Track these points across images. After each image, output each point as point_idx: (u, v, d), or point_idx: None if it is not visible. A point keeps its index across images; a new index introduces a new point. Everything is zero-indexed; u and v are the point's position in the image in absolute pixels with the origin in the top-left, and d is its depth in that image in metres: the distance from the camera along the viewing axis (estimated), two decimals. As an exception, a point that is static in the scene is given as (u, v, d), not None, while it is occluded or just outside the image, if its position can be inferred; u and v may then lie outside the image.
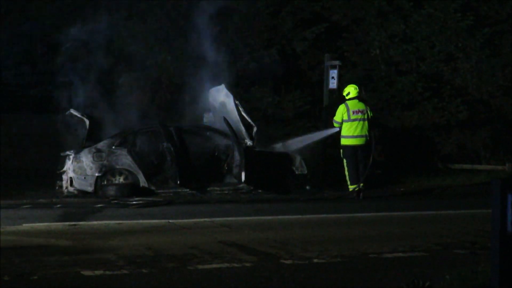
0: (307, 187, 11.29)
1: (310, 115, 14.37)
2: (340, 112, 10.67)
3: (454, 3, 14.73)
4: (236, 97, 11.22)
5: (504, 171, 14.10)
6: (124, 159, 10.77)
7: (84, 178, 10.63)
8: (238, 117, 10.97)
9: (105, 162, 10.72)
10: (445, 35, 14.82)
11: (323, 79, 12.98)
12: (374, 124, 11.23)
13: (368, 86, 14.53)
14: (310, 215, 8.94)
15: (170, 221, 8.29)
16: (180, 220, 8.31)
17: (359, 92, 10.87)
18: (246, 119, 11.09)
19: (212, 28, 12.71)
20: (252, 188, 11.03)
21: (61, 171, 10.74)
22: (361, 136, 10.59)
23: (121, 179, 10.82)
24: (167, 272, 5.61)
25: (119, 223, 8.10)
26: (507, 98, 14.91)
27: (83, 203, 10.01)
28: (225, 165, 11.22)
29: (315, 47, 14.73)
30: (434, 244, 6.86)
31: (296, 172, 11.21)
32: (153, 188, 10.85)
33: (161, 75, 13.57)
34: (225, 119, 10.91)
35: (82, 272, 5.55)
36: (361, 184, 10.56)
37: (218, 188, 11.06)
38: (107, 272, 5.55)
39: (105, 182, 10.71)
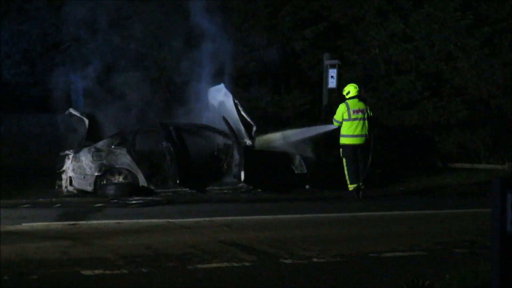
0: (307, 187, 11.30)
1: (310, 114, 14.37)
2: (340, 111, 10.64)
3: (453, 2, 14.74)
4: (235, 96, 11.22)
5: (504, 170, 14.10)
6: (124, 159, 10.78)
7: (84, 177, 10.63)
8: (237, 116, 10.96)
9: (104, 161, 10.72)
10: (444, 34, 14.83)
11: (322, 78, 12.98)
12: (374, 124, 11.20)
13: (368, 86, 14.54)
14: (309, 215, 8.93)
15: (170, 220, 8.28)
16: (179, 220, 8.30)
17: (359, 91, 10.85)
18: (245, 118, 11.09)
19: (211, 27, 12.70)
20: (251, 187, 11.03)
21: (61, 170, 10.74)
22: (361, 136, 10.56)
23: (121, 179, 10.83)
24: (167, 272, 5.60)
25: (118, 223, 8.09)
26: (506, 98, 14.92)
27: (83, 203, 10.01)
28: (225, 164, 11.25)
29: (315, 46, 14.73)
30: (434, 243, 6.85)
31: (296, 172, 11.21)
32: (152, 187, 10.86)
33: (161, 74, 13.57)
34: (224, 119, 10.91)
35: (81, 272, 5.55)
36: (361, 184, 10.54)
37: (217, 188, 11.07)
38: (107, 272, 5.55)
39: (105, 182, 10.71)
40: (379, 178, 12.56)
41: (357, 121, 10.57)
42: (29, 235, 7.20)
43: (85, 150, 10.75)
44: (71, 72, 12.45)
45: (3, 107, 12.57)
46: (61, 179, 10.77)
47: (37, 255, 6.16)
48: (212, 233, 7.37)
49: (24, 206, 9.70)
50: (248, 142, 11.02)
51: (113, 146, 10.85)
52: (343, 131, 10.64)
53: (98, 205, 9.80)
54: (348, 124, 10.59)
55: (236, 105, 11.04)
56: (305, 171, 11.20)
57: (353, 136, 10.56)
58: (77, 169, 10.64)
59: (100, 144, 10.84)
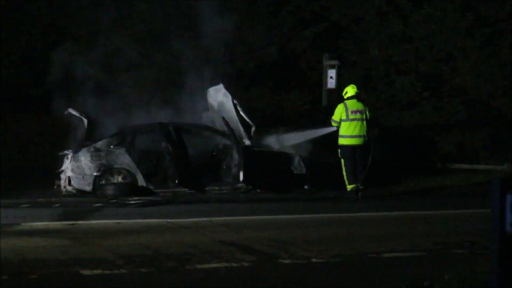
0: (306, 187, 11.26)
1: (310, 115, 14.35)
2: (339, 112, 10.61)
3: (453, 3, 14.73)
4: (234, 96, 11.18)
5: (503, 171, 14.09)
6: (123, 159, 10.74)
7: (83, 177, 10.60)
8: (236, 116, 10.93)
9: (103, 161, 10.69)
10: (444, 35, 14.82)
11: (322, 78, 12.96)
12: (373, 124, 11.18)
13: (367, 86, 14.53)
14: (308, 215, 8.93)
15: (169, 220, 8.27)
16: (179, 220, 8.28)
17: (358, 92, 10.79)
18: (244, 118, 11.06)
19: (211, 27, 12.69)
20: (250, 187, 11.00)
21: (60, 170, 10.72)
22: (359, 136, 10.53)
23: (120, 179, 10.80)
24: (166, 272, 5.60)
25: (117, 223, 8.07)
26: (506, 98, 14.90)
27: (82, 203, 9.98)
28: (224, 164, 11.22)
29: (315, 46, 14.72)
30: (433, 244, 6.85)
31: (295, 172, 11.17)
32: (151, 187, 10.82)
33: (160, 74, 13.56)
34: (223, 119, 10.89)
35: (81, 272, 5.54)
36: (360, 184, 10.51)
37: (216, 188, 11.03)
38: (106, 272, 5.54)
39: (104, 182, 10.68)
40: (378, 179, 12.49)
41: (355, 122, 10.54)
42: (28, 235, 7.19)
43: (84, 150, 10.72)
44: (71, 71, 12.42)
45: (2, 107, 12.55)
46: (60, 179, 10.74)
47: (36, 255, 6.15)
48: (211, 233, 7.35)
49: (23, 205, 9.68)
50: (247, 142, 10.98)
51: (112, 146, 10.82)
52: (341, 131, 10.61)
53: (97, 205, 9.78)
54: (346, 124, 10.55)
55: (235, 105, 11.01)
56: (304, 171, 11.17)
57: (351, 136, 10.53)
58: (76, 169, 10.62)
59: (99, 144, 10.81)
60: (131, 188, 10.68)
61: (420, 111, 14.67)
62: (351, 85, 10.92)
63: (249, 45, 14.28)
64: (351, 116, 10.56)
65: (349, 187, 10.57)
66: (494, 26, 14.93)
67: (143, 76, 13.34)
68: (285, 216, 8.81)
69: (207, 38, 12.85)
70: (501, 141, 14.88)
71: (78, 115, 11.07)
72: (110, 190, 10.57)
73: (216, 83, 11.60)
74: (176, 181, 10.66)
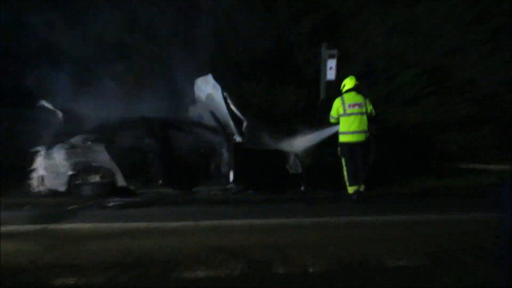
0: (302, 188, 11.24)
1: (305, 112, 14.26)
2: (336, 106, 10.53)
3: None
4: (224, 89, 11.13)
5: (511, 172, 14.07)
6: (101, 156, 10.58)
7: (57, 176, 10.42)
8: (226, 110, 10.89)
9: (79, 159, 10.52)
10: (450, 26, 14.78)
11: (319, 73, 12.88)
12: (373, 119, 11.06)
13: (368, 80, 14.45)
14: (305, 218, 8.85)
15: (152, 224, 8.22)
16: (163, 223, 8.24)
17: (357, 84, 10.67)
18: (235, 113, 11.03)
19: (203, 16, 12.58)
20: (242, 188, 10.95)
21: (31, 168, 10.54)
22: (358, 132, 10.44)
23: (98, 178, 10.64)
24: (148, 280, 5.47)
25: (95, 226, 8.01)
26: (514, 94, 14.92)
27: (56, 204, 9.85)
28: (213, 163, 11.13)
29: (311, 39, 14.65)
30: (437, 249, 6.76)
31: (290, 171, 11.15)
32: (133, 187, 10.72)
33: (144, 63, 13.42)
34: (212, 113, 10.84)
35: (52, 281, 5.39)
36: (361, 185, 10.45)
37: (205, 188, 10.97)
38: (81, 281, 5.39)
39: (80, 181, 10.53)
40: (379, 179, 12.46)
41: (353, 116, 10.46)
42: (-4, 239, 7.05)
43: (58, 146, 10.53)
44: (50, 64, 12.29)
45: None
46: (31, 178, 10.57)
47: (7, 262, 5.99)
48: (198, 238, 7.30)
49: (-8, 207, 9.53)
50: (238, 139, 10.95)
51: (89, 142, 10.66)
52: (340, 128, 10.55)
53: (73, 206, 9.67)
54: (344, 119, 10.47)
55: (225, 98, 10.97)
56: (300, 170, 11.15)
57: (350, 132, 10.44)
58: (49, 167, 10.43)
59: (75, 140, 10.63)
60: (110, 188, 10.57)
61: (423, 107, 14.62)
62: (350, 76, 10.83)
63: (243, 36, 14.17)
64: (348, 111, 10.48)
65: (349, 189, 10.49)
66: (502, 17, 14.89)
67: (125, 65, 13.18)
68: (279, 220, 8.72)
69: (197, 27, 12.73)
70: (510, 140, 14.85)
71: (52, 108, 10.90)
72: (87, 191, 10.46)
73: (205, 74, 11.54)
74: (160, 181, 10.59)
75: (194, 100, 11.78)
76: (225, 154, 10.75)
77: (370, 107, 10.60)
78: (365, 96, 11.05)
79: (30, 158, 10.59)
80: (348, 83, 10.64)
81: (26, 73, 12.41)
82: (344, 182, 10.50)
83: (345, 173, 10.49)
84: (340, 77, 12.27)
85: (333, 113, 10.60)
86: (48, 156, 10.44)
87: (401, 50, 14.91)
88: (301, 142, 11.30)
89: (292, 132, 11.66)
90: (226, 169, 10.70)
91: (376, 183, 11.92)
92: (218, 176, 11.02)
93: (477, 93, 14.90)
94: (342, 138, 10.53)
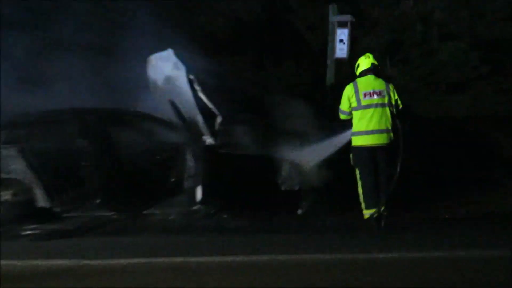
0: (299, 211, 11.33)
1: (309, 97, 14.35)
2: (346, 96, 10.63)
3: None
4: (191, 69, 11.19)
5: None
6: (14, 164, 10.52)
7: (-50, 193, 10.50)
8: (193, 100, 11.00)
9: (-19, 168, 10.54)
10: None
11: (327, 44, 12.97)
12: (404, 112, 11.13)
13: (396, 57, 14.59)
14: (303, 255, 8.87)
15: (85, 261, 8.27)
16: (100, 261, 8.30)
17: (376, 64, 10.76)
18: (206, 104, 11.11)
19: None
20: (213, 211, 11.03)
21: None
22: (380, 132, 10.53)
23: (8, 195, 10.56)
24: None
25: (5, 264, 8.01)
26: None
27: None
28: (173, 174, 11.11)
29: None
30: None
31: (282, 188, 11.25)
32: (58, 209, 10.64)
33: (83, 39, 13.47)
34: (173, 104, 10.94)
35: None
36: (383, 208, 10.52)
37: (161, 211, 11.01)
38: None
39: (-18, 200, 10.55)
40: (411, 198, 12.51)
41: (371, 110, 10.55)
42: None
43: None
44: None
45: None
46: None
47: None
48: (149, 282, 7.36)
49: None
50: (209, 140, 11.04)
51: (-3, 145, 10.67)
52: (354, 126, 10.67)
53: (-28, 236, 9.73)
54: (359, 114, 10.57)
55: (191, 82, 11.06)
56: (297, 186, 11.24)
57: (367, 133, 10.54)
58: None
59: (-29, 142, 10.68)
60: (26, 210, 10.49)
61: (475, 95, 14.86)
62: (366, 54, 10.92)
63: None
64: (364, 101, 10.57)
65: (366, 212, 10.57)
66: None
67: (48, 36, 13.16)
68: (266, 257, 8.74)
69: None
70: None
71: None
72: (-7, 214, 10.48)
73: (163, 48, 11.64)
74: (98, 200, 10.60)
75: (147, 86, 11.83)
76: (190, 162, 10.78)
77: (395, 96, 10.68)
78: (388, 81, 11.17)
79: None
80: (364, 62, 10.72)
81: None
82: (359, 203, 10.57)
83: (360, 190, 10.56)
84: (357, 53, 12.36)
85: (344, 106, 10.70)
86: None
87: (442, 16, 15.04)
88: (307, 153, 11.44)
89: (289, 131, 11.70)
90: (191, 183, 10.75)
91: (406, 204, 12.00)
92: (180, 193, 11.02)
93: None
94: (357, 141, 10.61)
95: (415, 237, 10.41)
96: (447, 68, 14.95)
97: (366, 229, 10.51)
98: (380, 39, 14.68)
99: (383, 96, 10.56)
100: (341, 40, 12.72)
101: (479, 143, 15.07)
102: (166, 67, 11.37)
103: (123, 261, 8.26)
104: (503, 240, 10.33)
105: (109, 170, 10.66)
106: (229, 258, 8.60)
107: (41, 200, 10.54)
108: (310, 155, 11.50)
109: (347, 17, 12.92)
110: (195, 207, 10.91)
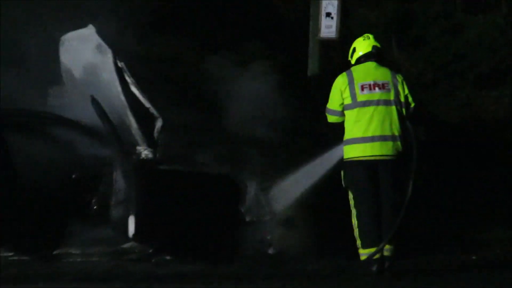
0: (270, 250, 11.53)
1: (284, 92, 14.40)
2: (337, 90, 10.72)
3: None
4: (120, 53, 11.34)
5: None
6: None
7: None
8: (123, 96, 11.14)
9: None
10: None
11: (307, 25, 13.06)
12: (417, 114, 11.17)
13: (406, 37, 14.63)
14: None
15: None
16: None
17: (379, 47, 10.88)
18: (141, 102, 11.30)
19: None
20: (151, 250, 11.13)
21: None
22: (383, 139, 10.61)
23: None
24: None
25: None
26: None
27: None
28: (95, 199, 11.23)
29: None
30: None
31: (247, 218, 11.39)
32: None
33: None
34: (95, 102, 10.93)
35: None
36: (387, 247, 10.59)
37: (78, 251, 11.10)
38: None
39: None
40: (426, 233, 12.67)
41: (371, 108, 10.64)
42: None
43: None
44: None
45: None
46: None
47: None
48: None
49: None
50: (146, 152, 11.20)
51: None
52: (346, 132, 10.73)
53: None
54: (354, 115, 10.65)
55: (120, 72, 11.23)
56: (268, 216, 11.41)
57: (364, 140, 10.62)
58: None
59: None
60: None
61: None
62: (365, 34, 11.00)
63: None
64: (361, 97, 10.65)
65: (363, 252, 10.64)
66: None
67: None
68: None
69: None
70: None
71: None
72: None
73: (81, 25, 11.77)
74: None
75: (58, 76, 11.93)
76: (120, 183, 10.87)
77: (405, 91, 10.80)
78: (395, 69, 11.28)
79: None
80: (362, 45, 10.87)
81: None
82: (354, 239, 10.65)
83: (354, 221, 10.63)
84: (351, 34, 12.45)
85: (333, 103, 10.80)
86: None
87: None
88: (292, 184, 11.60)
89: (257, 140, 11.83)
90: (121, 211, 10.85)
91: (419, 243, 12.17)
92: (104, 224, 11.09)
93: None
94: (350, 153, 10.69)
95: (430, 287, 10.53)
96: (476, 52, 15.03)
97: (362, 275, 10.55)
98: (383, 11, 14.74)
99: (388, 90, 10.65)
100: (328, 14, 12.76)
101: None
102: (85, 51, 11.47)
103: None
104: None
105: (4, 192, 10.65)
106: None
107: None
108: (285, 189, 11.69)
109: (336, -16, 13.03)
110: (126, 245, 11.01)
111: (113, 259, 11.09)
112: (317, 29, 13.03)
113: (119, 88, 11.19)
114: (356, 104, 10.61)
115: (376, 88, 10.64)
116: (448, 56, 15.04)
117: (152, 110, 11.31)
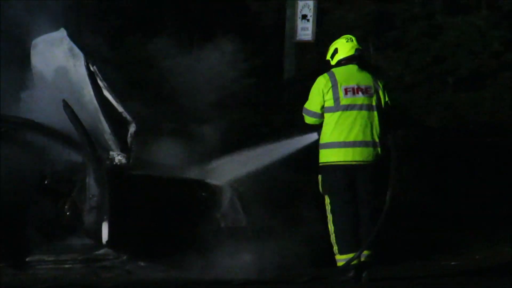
0: (245, 258, 11.40)
1: (259, 95, 14.42)
2: (319, 91, 10.72)
3: None
4: (92, 56, 11.39)
5: None
6: None
7: None
8: (95, 100, 11.16)
9: None
10: None
11: (285, 21, 12.98)
12: (395, 118, 11.28)
13: (384, 39, 14.59)
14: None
15: None
16: None
17: (361, 49, 10.92)
18: (114, 106, 11.32)
19: None
20: (125, 257, 11.12)
21: None
22: (364, 145, 10.68)
23: None
24: None
25: None
26: None
27: None
28: (67, 205, 11.27)
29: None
30: None
31: (222, 224, 11.45)
32: None
33: None
34: (66, 106, 10.94)
35: None
36: (366, 252, 10.63)
37: (51, 258, 11.09)
38: None
39: None
40: (406, 240, 12.74)
41: (354, 113, 10.67)
42: None
43: None
44: None
45: None
46: None
47: None
48: None
49: None
50: (119, 158, 11.23)
51: None
52: (324, 135, 10.75)
53: None
54: (335, 119, 10.67)
55: (93, 75, 11.25)
56: (244, 222, 11.47)
57: (345, 145, 10.65)
58: None
59: None
60: None
61: (497, 91, 14.96)
62: (346, 36, 11.06)
63: None
64: (344, 101, 10.67)
65: (340, 257, 10.67)
66: None
67: None
68: None
69: None
70: None
71: None
72: None
73: (53, 28, 11.81)
74: None
75: (30, 80, 11.96)
76: (93, 189, 10.90)
77: (386, 97, 10.89)
78: (375, 72, 11.34)
79: None
80: (345, 48, 10.90)
81: None
82: (331, 245, 10.69)
83: (331, 227, 10.68)
84: (329, 37, 12.45)
85: (313, 104, 10.82)
86: None
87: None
88: (232, 167, 11.62)
89: (231, 143, 11.84)
90: (94, 217, 10.88)
91: (399, 249, 12.32)
92: (77, 231, 11.16)
93: None
94: (328, 157, 10.73)
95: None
96: (456, 54, 15.00)
97: (339, 282, 10.65)
98: (360, 12, 14.67)
99: (371, 95, 10.72)
100: (304, 16, 12.64)
101: (506, 162, 15.34)
102: (57, 54, 11.46)
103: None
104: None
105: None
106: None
107: None
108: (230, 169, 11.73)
109: (312, -18, 12.93)
110: (100, 251, 11.00)
111: (86, 266, 11.08)
112: (294, 32, 13.00)
113: (92, 92, 11.19)
114: (338, 107, 10.66)
115: (360, 93, 10.70)
116: (427, 58, 15.06)
117: (125, 114, 11.33)
